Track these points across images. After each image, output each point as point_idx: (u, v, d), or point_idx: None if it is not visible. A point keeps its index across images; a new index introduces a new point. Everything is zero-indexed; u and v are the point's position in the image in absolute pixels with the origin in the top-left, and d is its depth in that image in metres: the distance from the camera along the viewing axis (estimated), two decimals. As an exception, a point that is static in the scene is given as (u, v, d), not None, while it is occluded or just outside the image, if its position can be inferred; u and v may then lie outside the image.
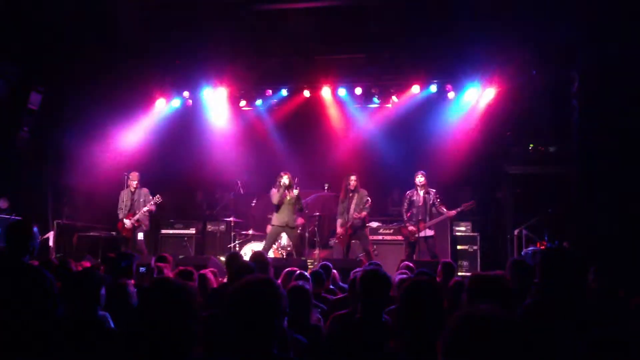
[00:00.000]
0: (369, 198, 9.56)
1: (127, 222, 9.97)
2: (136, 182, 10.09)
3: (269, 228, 9.85)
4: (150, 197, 10.04)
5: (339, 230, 9.80)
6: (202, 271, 5.59)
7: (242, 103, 12.34)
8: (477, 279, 3.37)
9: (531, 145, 10.85)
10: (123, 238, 10.08)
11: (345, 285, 5.71)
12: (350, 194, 9.68)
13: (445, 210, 9.44)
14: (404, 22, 9.95)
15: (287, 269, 5.57)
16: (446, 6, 9.47)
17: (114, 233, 10.79)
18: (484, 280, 3.30)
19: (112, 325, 3.51)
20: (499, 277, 3.36)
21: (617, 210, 8.42)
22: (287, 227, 9.68)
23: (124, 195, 10.12)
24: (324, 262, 6.46)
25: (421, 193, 9.50)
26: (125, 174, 10.23)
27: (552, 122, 10.44)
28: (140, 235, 9.99)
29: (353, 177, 9.69)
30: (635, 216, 8.11)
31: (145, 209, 9.96)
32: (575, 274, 3.04)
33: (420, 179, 9.50)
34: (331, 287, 6.13)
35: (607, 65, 8.56)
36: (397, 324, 3.06)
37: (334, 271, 6.53)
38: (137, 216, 9.93)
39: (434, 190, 9.55)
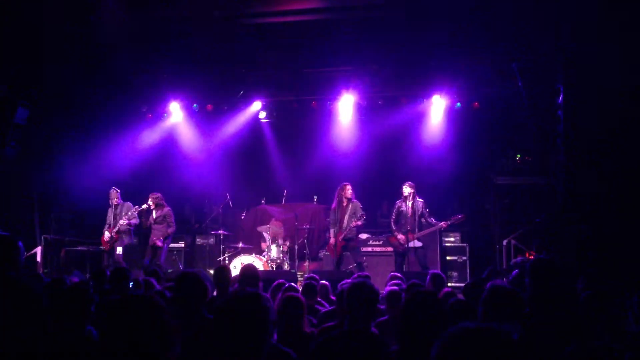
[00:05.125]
0: (363, 213, 9.55)
1: (106, 235, 9.93)
2: (116, 197, 10.10)
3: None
4: (133, 208, 9.97)
5: (331, 240, 9.76)
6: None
7: (231, 116, 12.35)
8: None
9: (518, 155, 10.93)
10: (104, 252, 10.07)
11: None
12: (345, 204, 9.63)
13: (434, 221, 9.46)
14: (393, 35, 10.00)
15: (277, 282, 5.55)
16: (438, 21, 9.52)
17: (101, 247, 10.72)
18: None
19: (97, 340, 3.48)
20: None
21: (603, 219, 8.47)
22: None
23: (109, 211, 10.15)
24: (310, 275, 6.45)
25: (409, 204, 9.50)
26: (113, 188, 10.20)
27: (538, 133, 10.53)
28: (119, 249, 9.94)
29: (349, 186, 9.66)
30: (622, 225, 8.17)
31: (122, 221, 9.88)
32: (565, 283, 3.06)
33: (407, 189, 9.50)
34: (318, 299, 6.10)
35: (591, 76, 8.66)
36: (395, 336, 3.04)
37: (326, 283, 6.52)
38: (116, 228, 9.88)
39: (422, 201, 9.57)
